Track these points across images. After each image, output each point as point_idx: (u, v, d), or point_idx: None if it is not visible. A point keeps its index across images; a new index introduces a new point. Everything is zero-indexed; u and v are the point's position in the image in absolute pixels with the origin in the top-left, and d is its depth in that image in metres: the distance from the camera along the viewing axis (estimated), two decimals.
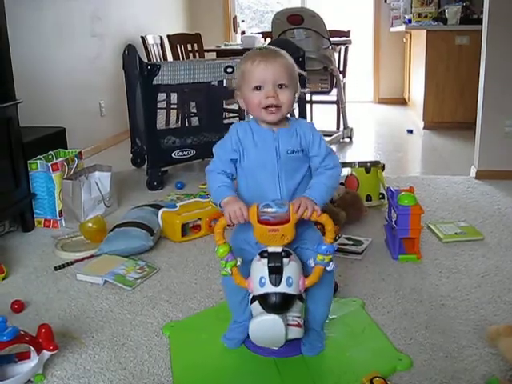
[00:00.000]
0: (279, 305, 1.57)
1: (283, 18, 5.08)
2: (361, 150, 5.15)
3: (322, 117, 5.98)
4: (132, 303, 2.27)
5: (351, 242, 2.79)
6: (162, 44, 6.04)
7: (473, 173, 3.96)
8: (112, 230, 2.81)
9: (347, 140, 5.48)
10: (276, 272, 1.56)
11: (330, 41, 5.09)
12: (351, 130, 5.54)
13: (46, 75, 4.28)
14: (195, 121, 5.04)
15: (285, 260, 1.58)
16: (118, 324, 2.11)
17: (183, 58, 6.06)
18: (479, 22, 4.22)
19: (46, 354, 1.78)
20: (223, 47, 6.67)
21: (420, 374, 1.75)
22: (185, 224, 2.94)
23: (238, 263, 1.64)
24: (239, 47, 6.42)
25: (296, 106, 4.09)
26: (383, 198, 3.33)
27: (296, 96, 1.71)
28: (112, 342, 1.98)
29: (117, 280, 2.42)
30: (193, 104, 5.11)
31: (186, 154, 3.97)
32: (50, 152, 3.27)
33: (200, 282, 2.45)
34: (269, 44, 4.99)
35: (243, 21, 8.22)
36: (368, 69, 7.96)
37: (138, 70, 3.75)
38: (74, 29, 4.74)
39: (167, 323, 2.09)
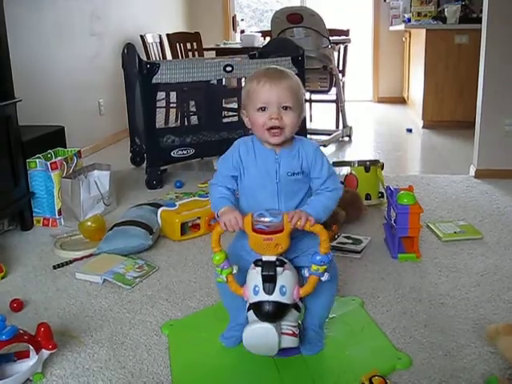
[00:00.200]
0: (272, 313, 1.58)
1: (283, 17, 5.07)
2: (360, 149, 5.15)
3: (322, 116, 5.98)
4: (131, 302, 2.27)
5: (350, 241, 2.79)
6: (161, 43, 6.03)
7: (472, 172, 3.96)
8: (111, 229, 2.81)
9: (346, 139, 5.47)
10: (269, 281, 1.57)
11: (329, 40, 5.09)
12: (350, 128, 5.53)
13: (45, 74, 4.28)
14: (194, 120, 5.03)
15: (279, 269, 1.58)
16: (117, 323, 2.11)
17: (182, 57, 6.05)
18: (478, 21, 4.21)
19: (45, 352, 1.78)
20: (222, 46, 6.67)
21: (419, 372, 1.75)
22: (184, 223, 2.94)
23: (234, 271, 1.65)
24: (238, 46, 6.41)
25: None
26: (382, 196, 3.34)
27: (301, 118, 1.71)
28: (111, 341, 1.98)
29: (116, 279, 2.41)
30: (192, 103, 5.10)
31: (185, 152, 3.97)
32: (49, 151, 3.27)
33: (199, 281, 2.45)
34: (269, 42, 5.00)
35: (242, 19, 8.22)
36: (367, 68, 7.96)
37: (137, 68, 3.75)
38: (74, 28, 4.74)
39: (166, 322, 2.09)
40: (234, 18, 8.04)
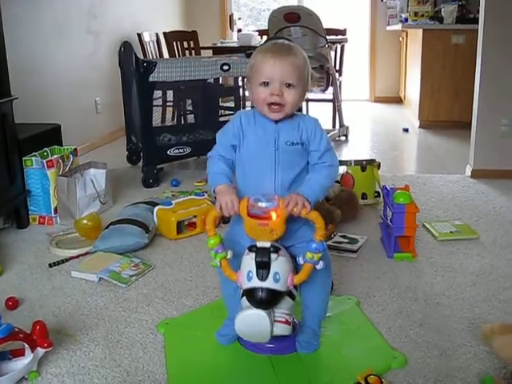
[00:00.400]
0: (265, 300, 1.57)
1: (280, 16, 5.07)
2: (356, 149, 5.15)
3: (318, 115, 5.96)
4: (127, 300, 2.27)
5: (346, 240, 2.79)
6: (158, 41, 6.03)
7: (468, 172, 3.97)
8: (107, 227, 2.81)
9: (343, 138, 5.48)
10: (263, 267, 1.57)
11: (326, 39, 5.08)
12: (347, 128, 5.54)
13: (41, 72, 4.27)
14: (191, 118, 5.03)
15: (273, 255, 1.58)
16: (113, 321, 2.11)
17: (179, 56, 6.04)
18: (475, 21, 4.22)
19: (41, 351, 1.78)
20: (219, 45, 6.66)
21: (414, 371, 1.75)
22: (180, 221, 2.94)
23: (229, 256, 1.65)
24: (235, 45, 6.40)
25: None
26: (379, 196, 3.34)
27: (304, 96, 1.71)
28: (107, 340, 1.98)
29: (112, 277, 2.41)
30: (189, 101, 5.09)
31: (181, 151, 3.97)
32: (46, 149, 3.26)
33: (195, 280, 2.45)
34: (266, 41, 4.99)
35: (240, 18, 8.21)
36: (364, 67, 7.97)
37: (133, 67, 3.74)
38: (71, 26, 4.73)
39: (162, 320, 2.09)
40: (231, 16, 8.04)
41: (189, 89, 4.67)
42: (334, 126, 5.58)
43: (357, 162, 3.38)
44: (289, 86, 1.65)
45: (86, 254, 2.69)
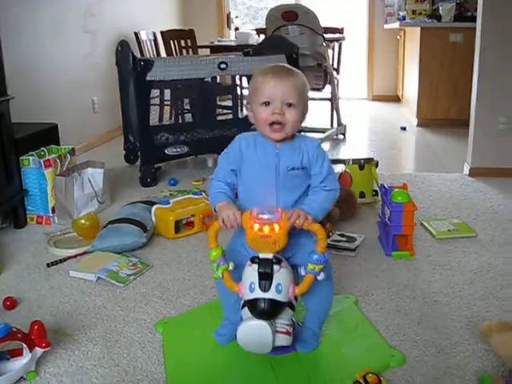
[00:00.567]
0: (267, 311, 1.58)
1: (277, 15, 5.07)
2: (354, 147, 5.15)
3: (316, 114, 5.96)
4: (125, 300, 2.27)
5: (344, 239, 2.79)
6: (155, 40, 6.02)
7: (466, 170, 3.97)
8: (105, 227, 2.80)
9: (341, 137, 5.48)
10: (266, 278, 1.57)
11: (323, 37, 5.08)
12: (345, 126, 5.54)
13: (38, 71, 4.26)
14: (188, 117, 5.03)
15: (275, 267, 1.58)
16: (111, 321, 2.11)
17: (177, 54, 6.04)
18: (473, 19, 4.23)
19: (39, 350, 1.77)
20: (217, 43, 6.66)
21: (413, 369, 1.75)
22: (178, 221, 2.94)
23: (230, 268, 1.65)
24: (233, 43, 6.40)
25: None
26: (377, 194, 3.34)
27: (304, 117, 1.71)
28: (105, 339, 1.98)
29: (110, 277, 2.41)
30: (186, 100, 5.09)
31: (179, 150, 3.96)
32: (43, 148, 3.25)
33: (193, 279, 2.45)
34: (264, 40, 5.00)
35: (237, 17, 8.20)
36: (362, 66, 7.96)
37: (131, 65, 3.74)
38: (68, 25, 4.72)
39: (160, 320, 2.09)
40: (228, 15, 8.03)
41: (186, 88, 4.66)
42: (331, 124, 5.58)
43: (355, 161, 3.38)
44: (290, 105, 1.65)
45: (84, 253, 2.69)
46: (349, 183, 3.30)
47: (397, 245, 2.64)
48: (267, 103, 1.66)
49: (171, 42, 6.01)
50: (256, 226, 1.57)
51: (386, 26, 7.30)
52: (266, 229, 1.56)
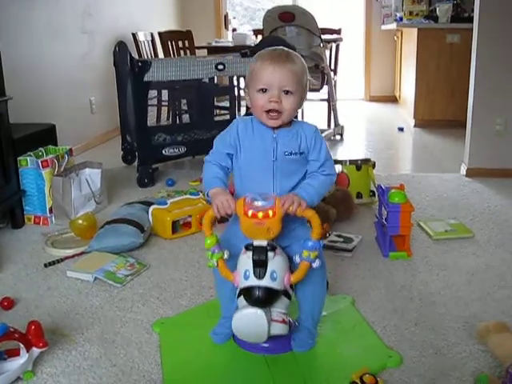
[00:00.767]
0: (262, 298, 1.58)
1: (275, 16, 5.07)
2: (352, 148, 5.15)
3: (313, 114, 5.97)
4: (122, 300, 2.27)
5: (341, 240, 2.79)
6: (153, 41, 6.02)
7: (463, 170, 3.97)
8: (102, 227, 2.80)
9: (338, 138, 5.48)
10: (260, 265, 1.57)
11: (321, 38, 5.09)
12: (342, 127, 5.54)
13: (36, 72, 4.26)
14: (186, 118, 5.03)
15: (270, 254, 1.58)
16: (108, 321, 2.11)
17: (174, 55, 6.04)
18: (470, 20, 4.23)
19: (36, 351, 1.77)
20: (214, 44, 6.66)
21: (410, 370, 1.75)
22: (175, 221, 2.93)
23: (225, 256, 1.65)
24: (230, 44, 6.41)
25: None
26: (374, 195, 3.34)
27: (302, 103, 1.71)
28: (102, 339, 1.98)
29: (107, 277, 2.41)
30: (184, 101, 5.10)
31: (176, 151, 3.96)
32: (40, 149, 3.25)
33: (190, 279, 2.45)
34: (261, 41, 5.00)
35: (234, 18, 8.22)
36: (359, 67, 7.97)
37: (128, 66, 3.74)
38: (65, 25, 4.72)
39: (157, 320, 2.09)
40: (225, 16, 8.04)
41: (184, 88, 4.67)
42: (329, 125, 5.58)
43: (352, 162, 3.39)
44: (287, 92, 1.64)
45: (82, 253, 2.69)
46: (346, 184, 3.30)
47: (394, 245, 2.64)
48: (264, 90, 1.65)
49: (169, 42, 6.01)
50: (250, 213, 1.57)
51: (383, 27, 7.31)
52: (260, 215, 1.56)
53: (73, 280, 2.45)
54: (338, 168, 3.39)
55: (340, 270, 2.49)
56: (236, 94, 4.92)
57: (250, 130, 1.71)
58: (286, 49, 1.72)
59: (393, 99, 7.50)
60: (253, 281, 1.58)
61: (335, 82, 5.70)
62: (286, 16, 5.00)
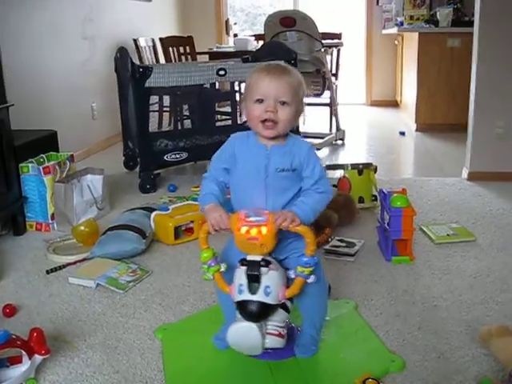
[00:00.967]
0: (255, 313, 1.59)
1: (276, 21, 5.08)
2: (353, 152, 5.15)
3: (315, 119, 5.98)
4: (124, 306, 2.27)
5: (344, 244, 2.79)
6: (154, 47, 6.04)
7: (465, 174, 3.97)
8: (104, 233, 2.80)
9: (340, 142, 5.48)
10: (253, 280, 1.58)
11: (322, 43, 5.10)
12: (344, 132, 5.54)
13: (37, 78, 4.27)
14: (188, 123, 5.03)
15: (263, 269, 1.58)
16: (111, 327, 2.11)
17: (175, 61, 6.05)
18: (471, 24, 4.23)
19: (38, 358, 1.77)
20: (216, 50, 6.68)
21: (413, 375, 1.75)
22: (177, 227, 2.93)
23: (222, 269, 1.66)
24: (232, 50, 6.42)
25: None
26: (376, 199, 3.34)
27: (298, 116, 1.71)
28: (104, 346, 1.98)
29: (109, 283, 2.41)
30: (185, 107, 5.10)
31: (178, 156, 3.97)
32: (42, 155, 3.26)
33: (193, 285, 2.44)
34: (262, 46, 5.01)
35: (236, 23, 8.22)
36: (360, 71, 7.97)
37: (130, 72, 3.74)
38: (67, 31, 4.73)
39: (160, 326, 2.09)
40: (227, 21, 8.04)
41: (185, 94, 4.67)
42: (330, 129, 5.59)
43: (353, 166, 3.39)
44: (283, 103, 1.65)
45: (84, 260, 2.69)
46: (348, 188, 3.30)
47: (396, 250, 2.64)
48: (261, 100, 1.66)
49: (170, 48, 6.03)
50: (243, 229, 1.57)
51: (384, 32, 7.32)
52: (254, 231, 1.56)
53: (75, 286, 2.45)
54: (340, 173, 3.39)
55: (342, 274, 2.49)
56: (237, 99, 4.92)
57: (245, 145, 1.72)
58: (282, 63, 1.74)
59: (394, 104, 7.50)
60: (246, 295, 1.58)
61: (336, 86, 5.70)
62: (287, 21, 5.01)
